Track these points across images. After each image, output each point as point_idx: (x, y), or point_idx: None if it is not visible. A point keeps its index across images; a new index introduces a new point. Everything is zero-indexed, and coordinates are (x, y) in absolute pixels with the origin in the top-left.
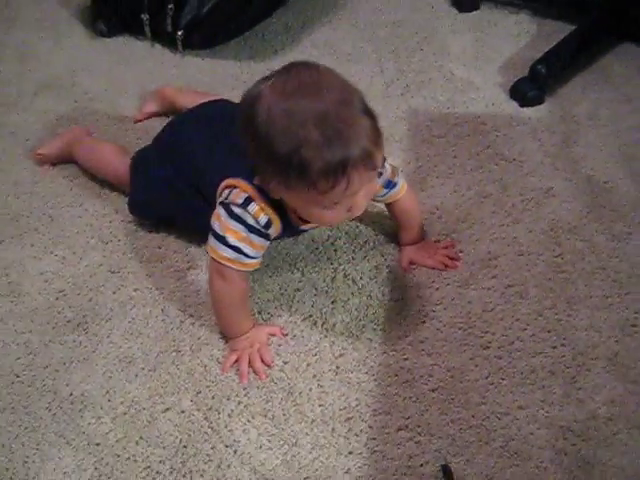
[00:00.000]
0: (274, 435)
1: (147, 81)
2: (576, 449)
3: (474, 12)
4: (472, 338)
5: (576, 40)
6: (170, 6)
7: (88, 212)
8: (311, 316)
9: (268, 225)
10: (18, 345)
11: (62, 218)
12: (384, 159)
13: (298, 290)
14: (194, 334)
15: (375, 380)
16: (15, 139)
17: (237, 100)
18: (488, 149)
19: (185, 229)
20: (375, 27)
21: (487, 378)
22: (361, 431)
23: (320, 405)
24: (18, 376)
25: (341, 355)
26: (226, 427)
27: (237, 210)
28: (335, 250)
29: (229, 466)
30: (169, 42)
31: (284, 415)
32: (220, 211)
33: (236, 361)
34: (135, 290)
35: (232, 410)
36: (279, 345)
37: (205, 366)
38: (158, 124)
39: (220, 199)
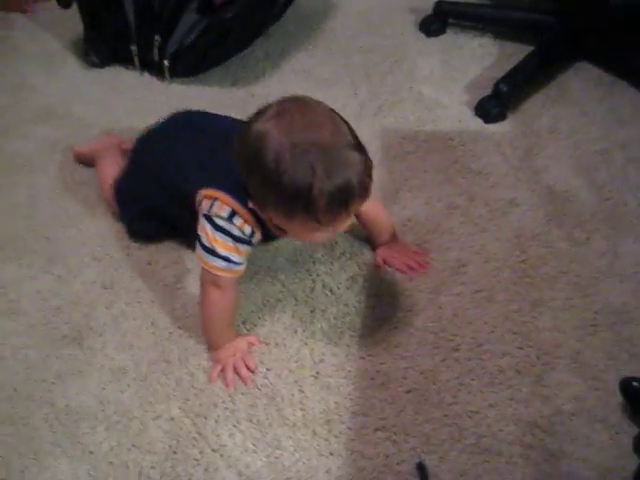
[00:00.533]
0: (258, 439)
1: (138, 108)
2: (543, 444)
3: (441, 36)
4: (443, 342)
5: (535, 60)
6: (157, 37)
7: (82, 232)
8: (292, 325)
9: (252, 234)
10: (17, 360)
11: (58, 238)
12: (368, 157)
13: (279, 300)
14: (182, 345)
15: (353, 384)
16: (13, 165)
17: None
18: (456, 163)
19: (182, 238)
20: (349, 53)
21: (458, 379)
22: (340, 433)
23: (301, 409)
24: (16, 390)
25: (321, 361)
26: (213, 432)
27: (222, 223)
28: (314, 262)
29: (216, 469)
30: (157, 71)
31: (267, 420)
32: (205, 224)
33: (222, 370)
34: (127, 305)
35: (219, 416)
36: (262, 353)
37: (193, 375)
38: None
39: (203, 211)
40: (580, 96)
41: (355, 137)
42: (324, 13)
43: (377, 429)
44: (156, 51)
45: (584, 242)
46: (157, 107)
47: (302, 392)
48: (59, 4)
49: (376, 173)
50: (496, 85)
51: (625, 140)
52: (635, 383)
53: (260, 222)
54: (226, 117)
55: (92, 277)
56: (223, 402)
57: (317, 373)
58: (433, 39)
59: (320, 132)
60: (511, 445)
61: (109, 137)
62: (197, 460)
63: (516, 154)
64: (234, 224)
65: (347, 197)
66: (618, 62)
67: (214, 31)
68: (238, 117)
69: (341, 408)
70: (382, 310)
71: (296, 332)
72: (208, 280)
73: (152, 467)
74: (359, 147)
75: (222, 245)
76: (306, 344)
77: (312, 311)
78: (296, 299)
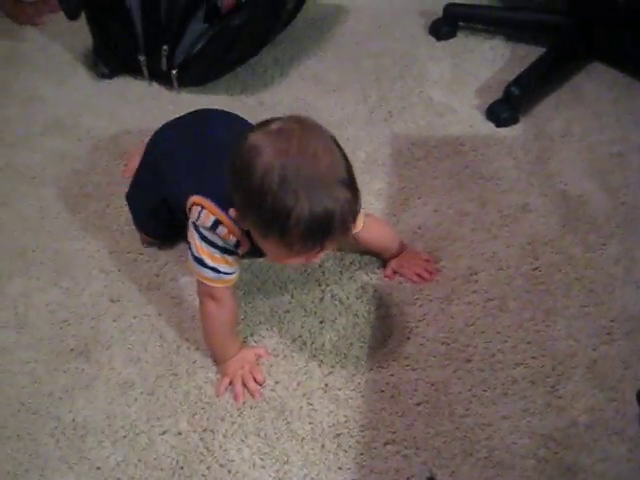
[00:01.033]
0: (266, 453)
1: (147, 118)
2: (558, 457)
3: (451, 40)
4: (455, 352)
5: (547, 61)
6: (165, 47)
7: (90, 245)
8: (300, 336)
9: (237, 245)
10: (24, 374)
11: (66, 251)
12: (358, 197)
13: (288, 312)
14: (190, 358)
15: (362, 396)
16: (22, 177)
17: None
18: (467, 169)
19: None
20: (358, 58)
21: (470, 390)
22: (350, 447)
23: (310, 423)
24: (23, 404)
25: (330, 373)
26: (221, 447)
27: (207, 233)
28: (323, 272)
29: None
30: (165, 80)
31: (276, 434)
32: (193, 232)
33: (230, 383)
34: (134, 317)
35: (226, 430)
36: (270, 365)
37: (200, 388)
38: None
39: (191, 218)
40: (593, 98)
41: (350, 174)
42: (333, 18)
43: (387, 443)
44: (164, 61)
45: (599, 248)
46: (166, 116)
47: (311, 405)
48: (67, 16)
49: (385, 180)
50: (507, 88)
51: None
52: None
53: (248, 235)
54: (244, 122)
55: (100, 290)
56: (231, 416)
57: (326, 385)
58: (443, 43)
59: (314, 161)
60: (525, 459)
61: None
62: (204, 476)
63: (528, 158)
64: (217, 234)
65: (325, 232)
66: (632, 62)
67: (221, 39)
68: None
69: (350, 421)
70: (392, 320)
71: (305, 344)
72: (203, 292)
73: None
74: (351, 185)
75: (209, 256)
76: (315, 356)
77: (321, 322)
78: (305, 310)
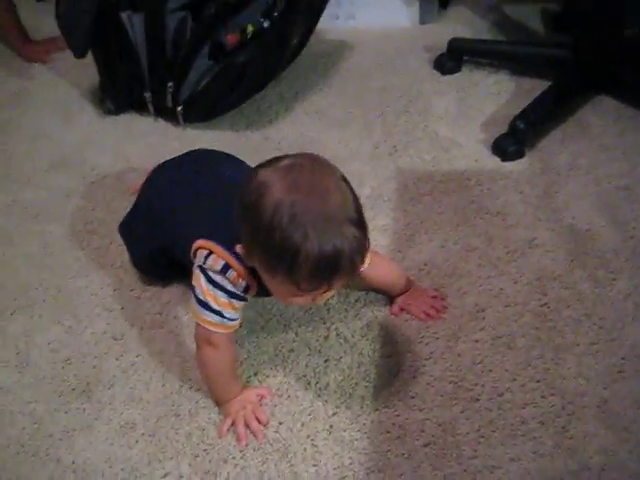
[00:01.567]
0: None
1: (152, 154)
2: None
3: (456, 74)
4: (462, 391)
5: (552, 95)
6: (170, 84)
7: (93, 282)
8: (305, 376)
9: (247, 290)
10: (24, 415)
11: (69, 289)
12: (367, 236)
13: (292, 350)
14: (192, 398)
15: (368, 438)
16: (27, 214)
17: None
18: (473, 204)
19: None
20: (363, 93)
21: (478, 431)
22: None
23: (314, 465)
24: (23, 446)
25: (334, 414)
26: None
27: (216, 277)
28: (328, 309)
29: None
30: (171, 116)
31: (279, 477)
32: (200, 276)
33: (232, 424)
34: (137, 356)
35: (229, 473)
36: (274, 406)
37: (203, 429)
38: None
39: (198, 262)
40: (600, 131)
41: (359, 213)
42: (337, 54)
43: None
44: (169, 97)
45: (608, 283)
46: (172, 152)
47: (315, 447)
48: (74, 54)
49: (391, 215)
50: (513, 122)
51: None
52: None
53: (255, 275)
54: (241, 163)
55: (102, 328)
56: (233, 458)
57: (331, 427)
58: (448, 77)
59: (324, 199)
60: None
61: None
62: None
63: (535, 192)
64: (227, 278)
65: (333, 270)
66: (638, 94)
67: (226, 76)
68: (253, 161)
69: (355, 464)
70: (398, 359)
71: (309, 383)
72: (202, 338)
73: None
74: (360, 224)
75: (215, 300)
76: (319, 396)
77: (326, 361)
78: (309, 348)
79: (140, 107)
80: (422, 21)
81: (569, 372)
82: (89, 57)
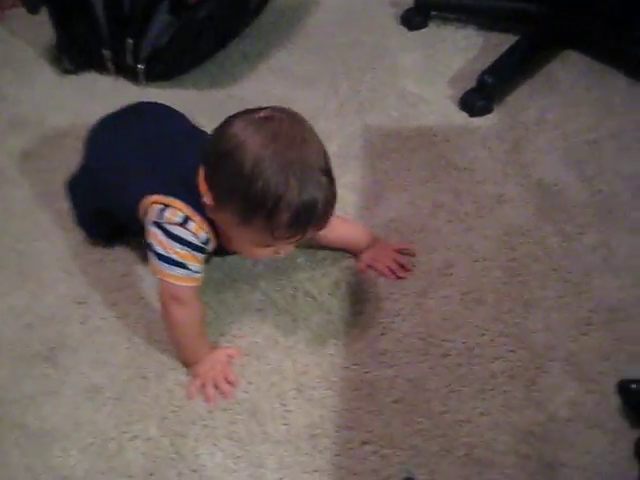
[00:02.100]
0: (240, 457)
1: None
2: (538, 453)
3: (423, 30)
4: (432, 347)
5: (520, 50)
6: (129, 40)
7: (56, 246)
8: (273, 335)
9: (207, 241)
10: None
11: (30, 253)
12: (335, 186)
13: (260, 310)
14: (159, 360)
15: (338, 395)
16: None
17: None
18: (441, 160)
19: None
20: (328, 50)
21: (448, 386)
22: (325, 448)
23: (284, 424)
24: None
25: (304, 373)
26: (192, 452)
27: (175, 230)
28: (295, 268)
29: None
30: (132, 75)
31: (249, 436)
32: (156, 232)
33: (201, 385)
34: (102, 319)
35: (198, 434)
36: (242, 366)
37: (171, 391)
38: None
39: (152, 218)
40: (568, 86)
41: (327, 162)
42: (302, 9)
43: (364, 443)
44: (130, 55)
45: (576, 237)
46: None
47: (284, 406)
48: (27, 9)
49: (358, 173)
50: (480, 77)
51: (616, 130)
52: (634, 385)
53: (215, 231)
54: (183, 118)
55: (65, 292)
56: (202, 419)
57: (300, 385)
58: (415, 33)
59: (303, 149)
60: (505, 455)
61: None
62: None
63: (503, 148)
64: (188, 229)
65: (309, 219)
66: (606, 49)
67: (188, 31)
68: (218, 119)
69: (326, 422)
70: (367, 316)
71: (277, 343)
72: (167, 294)
73: None
74: (330, 174)
75: (176, 253)
76: (288, 355)
77: (294, 320)
78: (277, 308)
79: (100, 66)
80: None
81: (537, 326)
82: (44, 14)
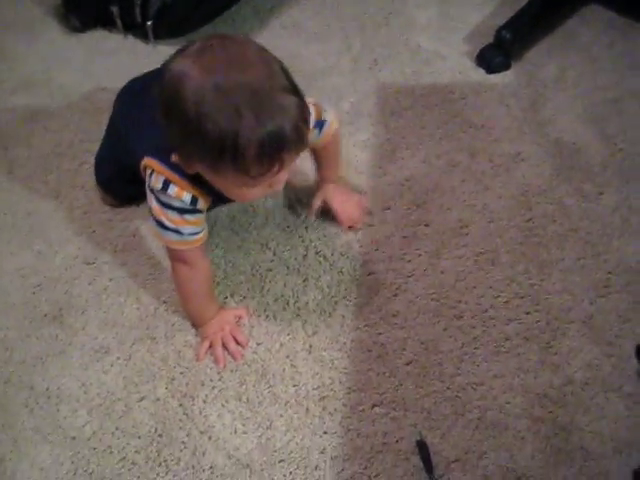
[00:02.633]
0: (248, 419)
1: (121, 73)
2: (553, 416)
3: None
4: (445, 309)
5: (540, 4)
6: None
7: (63, 206)
8: (283, 296)
9: (194, 202)
10: None
11: (38, 213)
12: (305, 102)
13: (270, 270)
14: (168, 320)
15: (348, 357)
16: None
17: None
18: (456, 118)
19: None
20: (341, 5)
21: (461, 348)
22: (335, 410)
23: (294, 385)
24: None
25: (314, 333)
26: (201, 413)
27: (161, 196)
28: (306, 228)
29: (204, 453)
30: (141, 33)
31: (258, 398)
32: (151, 196)
33: (210, 347)
34: (110, 280)
35: (206, 395)
36: (252, 327)
37: (179, 352)
38: None
39: (147, 182)
40: (589, 42)
41: (290, 79)
42: None
43: (374, 405)
44: (138, 11)
45: (595, 197)
46: (142, 71)
47: (294, 367)
48: None
49: (371, 131)
50: (498, 33)
51: (638, 87)
52: None
53: (203, 185)
54: None
55: (74, 252)
56: (211, 380)
57: (310, 346)
58: None
59: (248, 72)
60: (518, 418)
61: None
62: (184, 443)
63: (521, 105)
64: (170, 195)
65: (279, 146)
66: (629, 2)
67: None
68: None
69: (336, 383)
70: (379, 277)
71: (288, 303)
72: (173, 256)
73: (137, 451)
74: (294, 90)
75: (168, 219)
76: (298, 315)
77: (305, 280)
78: (288, 268)
79: (108, 23)
80: None
81: (554, 288)
82: None
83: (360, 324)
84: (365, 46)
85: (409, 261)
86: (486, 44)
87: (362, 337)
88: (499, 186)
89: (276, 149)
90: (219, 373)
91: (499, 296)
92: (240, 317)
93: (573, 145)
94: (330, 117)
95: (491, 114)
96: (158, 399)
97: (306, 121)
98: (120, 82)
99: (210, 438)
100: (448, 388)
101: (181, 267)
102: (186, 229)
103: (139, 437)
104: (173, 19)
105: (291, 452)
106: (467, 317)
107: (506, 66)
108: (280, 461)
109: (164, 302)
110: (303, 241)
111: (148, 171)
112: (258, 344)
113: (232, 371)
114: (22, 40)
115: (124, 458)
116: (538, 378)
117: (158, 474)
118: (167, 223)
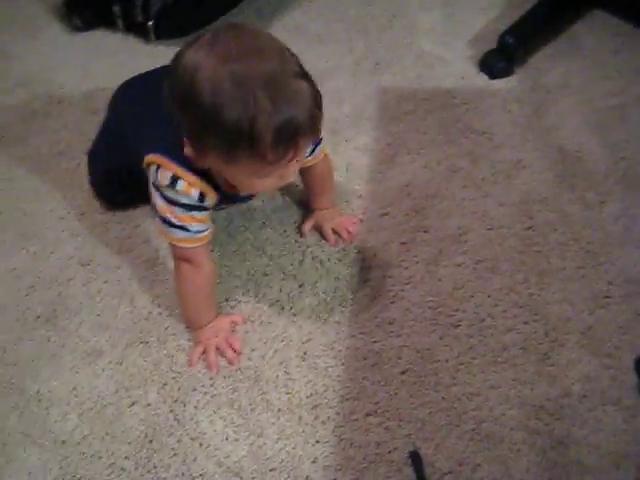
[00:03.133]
0: (240, 426)
1: (122, 73)
2: (549, 429)
3: None
4: (442, 317)
5: (544, 9)
6: None
7: (60, 206)
8: (278, 301)
9: (202, 198)
10: None
11: (34, 213)
12: (317, 88)
13: (266, 275)
14: (161, 324)
15: (343, 365)
16: None
17: None
18: (458, 123)
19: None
20: (345, 7)
21: (457, 358)
22: (328, 418)
23: (287, 393)
24: None
25: (308, 340)
26: (192, 419)
27: (168, 193)
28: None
29: (195, 460)
30: (142, 33)
31: (250, 405)
32: (156, 194)
33: (203, 352)
34: (104, 282)
35: (198, 401)
36: (246, 332)
37: (172, 357)
38: None
39: (152, 180)
40: (592, 48)
41: (301, 66)
42: None
43: (368, 414)
44: (139, 11)
45: (597, 206)
46: (142, 71)
47: (288, 374)
48: None
49: (372, 135)
50: (502, 38)
51: None
52: None
53: (211, 182)
54: None
55: (69, 253)
56: (203, 386)
57: (304, 353)
58: None
59: (262, 59)
60: (514, 430)
61: None
62: (174, 449)
63: (523, 112)
64: (178, 191)
65: (296, 131)
66: (635, 9)
67: None
68: None
69: (329, 391)
70: (375, 283)
71: (283, 309)
72: (177, 255)
73: (126, 457)
74: (307, 77)
75: (175, 216)
76: (293, 322)
77: (300, 285)
78: (284, 273)
79: (109, 23)
80: None
81: (553, 297)
82: None
83: (355, 331)
84: (368, 49)
85: (406, 268)
86: (489, 49)
87: (357, 345)
88: (500, 193)
89: (292, 134)
90: (211, 379)
91: (497, 305)
92: (236, 323)
93: (576, 152)
94: (323, 136)
95: (493, 120)
96: (149, 404)
97: (319, 107)
98: (120, 82)
99: (201, 445)
100: (443, 398)
101: (185, 266)
102: (193, 226)
103: (129, 443)
104: (174, 19)
105: (282, 461)
106: (464, 326)
107: (509, 72)
108: (271, 470)
109: (158, 305)
110: (299, 246)
111: (153, 168)
112: (252, 350)
113: (225, 377)
114: (23, 38)
115: (113, 464)
116: (535, 389)
117: None
118: (173, 220)
